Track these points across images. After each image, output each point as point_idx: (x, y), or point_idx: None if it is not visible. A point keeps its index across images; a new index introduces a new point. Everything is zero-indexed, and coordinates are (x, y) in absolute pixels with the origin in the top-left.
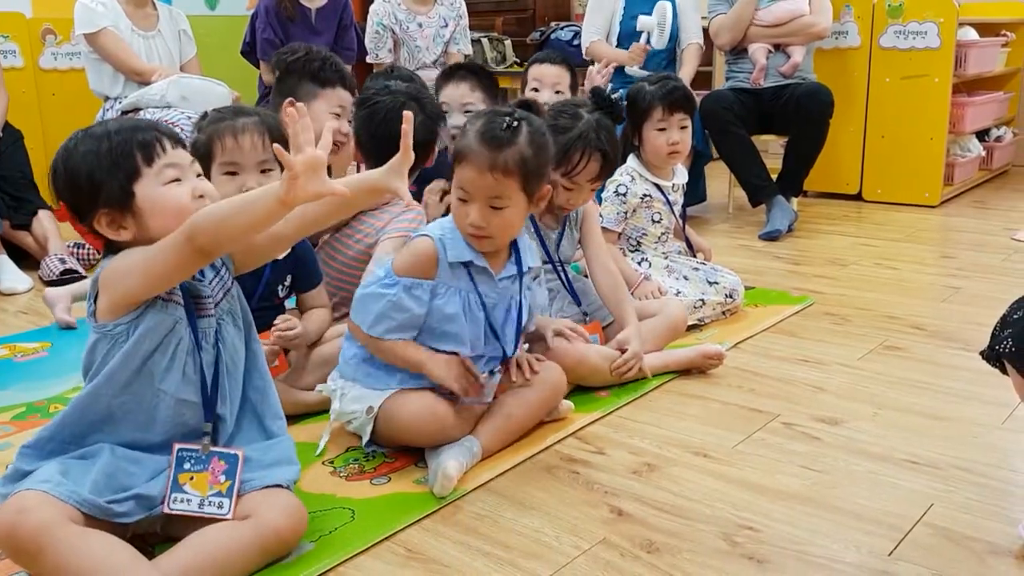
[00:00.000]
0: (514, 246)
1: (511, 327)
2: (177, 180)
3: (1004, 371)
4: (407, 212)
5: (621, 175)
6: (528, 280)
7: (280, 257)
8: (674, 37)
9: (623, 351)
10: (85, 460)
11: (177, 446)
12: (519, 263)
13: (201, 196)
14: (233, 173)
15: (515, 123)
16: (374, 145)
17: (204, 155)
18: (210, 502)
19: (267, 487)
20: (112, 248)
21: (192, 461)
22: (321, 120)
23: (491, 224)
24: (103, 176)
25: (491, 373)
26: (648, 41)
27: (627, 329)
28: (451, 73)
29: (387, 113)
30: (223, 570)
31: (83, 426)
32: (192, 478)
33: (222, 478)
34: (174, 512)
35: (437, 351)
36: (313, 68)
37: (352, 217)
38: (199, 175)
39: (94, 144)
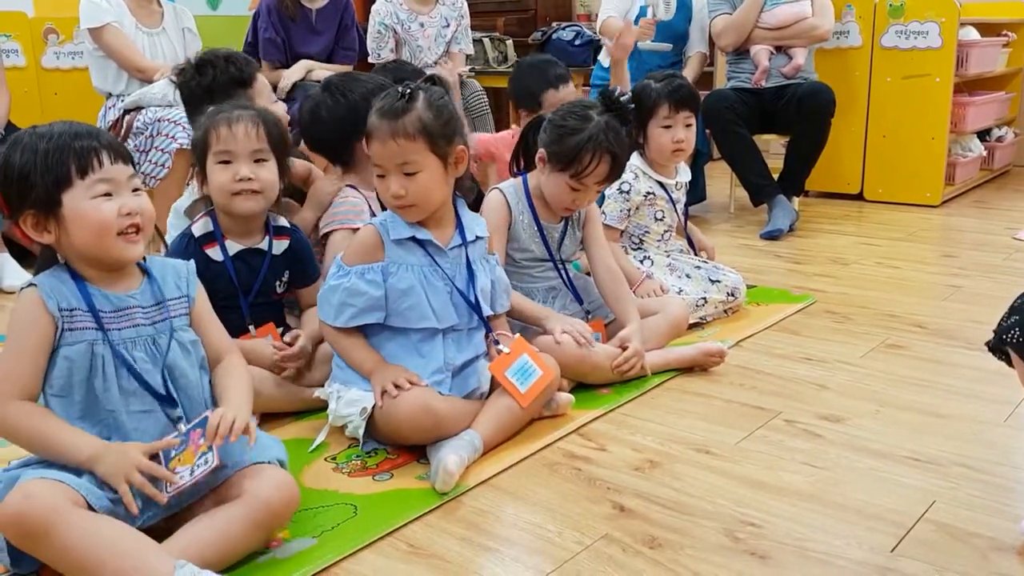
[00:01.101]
0: (459, 219)
1: (471, 295)
2: (107, 195)
3: (1009, 363)
4: (344, 202)
5: (625, 172)
6: (480, 250)
7: (277, 253)
8: (682, 7)
9: (624, 348)
10: (69, 471)
11: (160, 447)
12: (463, 233)
13: (129, 214)
14: (227, 162)
15: (409, 92)
16: (315, 141)
17: (202, 149)
18: (198, 465)
19: (254, 464)
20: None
21: (175, 450)
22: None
23: (409, 191)
24: (35, 178)
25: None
26: (655, 14)
27: (628, 327)
28: (563, 78)
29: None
30: (221, 548)
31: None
32: (180, 459)
33: (201, 440)
34: (172, 494)
35: (413, 331)
36: (232, 74)
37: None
38: (136, 191)
39: (34, 144)
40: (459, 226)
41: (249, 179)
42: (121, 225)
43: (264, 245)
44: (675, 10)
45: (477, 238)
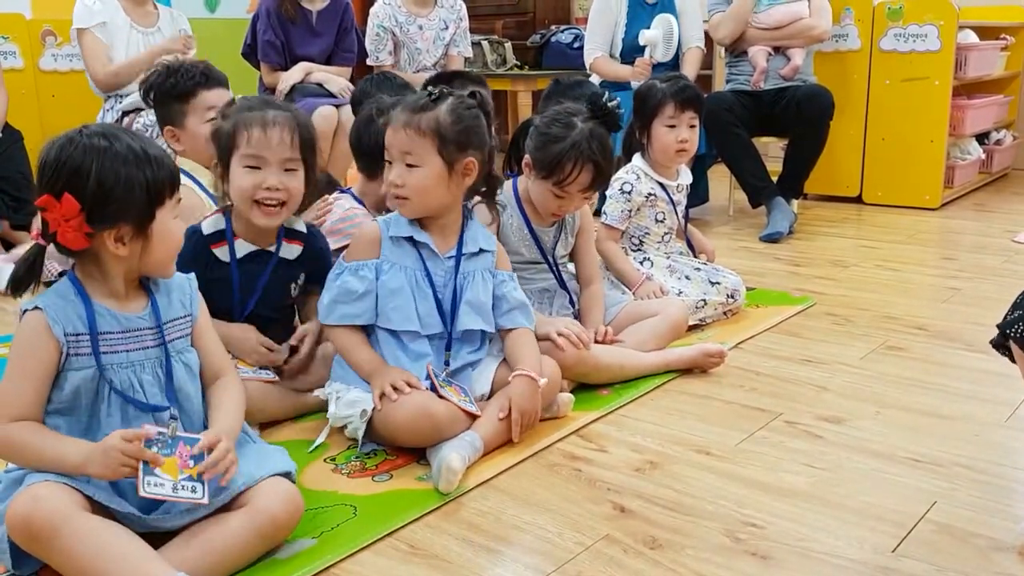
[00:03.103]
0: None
1: (459, 306)
2: (176, 217)
3: (1012, 358)
4: (336, 213)
5: (627, 173)
6: (483, 263)
7: (289, 258)
8: (678, 49)
9: (601, 340)
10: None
11: (144, 430)
12: (460, 244)
13: (180, 240)
14: (255, 167)
15: (437, 95)
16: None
17: (226, 144)
18: (183, 486)
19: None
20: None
21: (159, 444)
22: (199, 133)
23: (407, 183)
24: (138, 192)
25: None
26: (652, 55)
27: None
28: (452, 78)
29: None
30: (223, 558)
31: None
32: (163, 465)
33: (191, 463)
34: (149, 496)
35: (395, 333)
36: (168, 86)
37: None
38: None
39: (131, 162)
40: (461, 237)
41: (277, 189)
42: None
43: (273, 248)
44: (674, 51)
45: (481, 251)
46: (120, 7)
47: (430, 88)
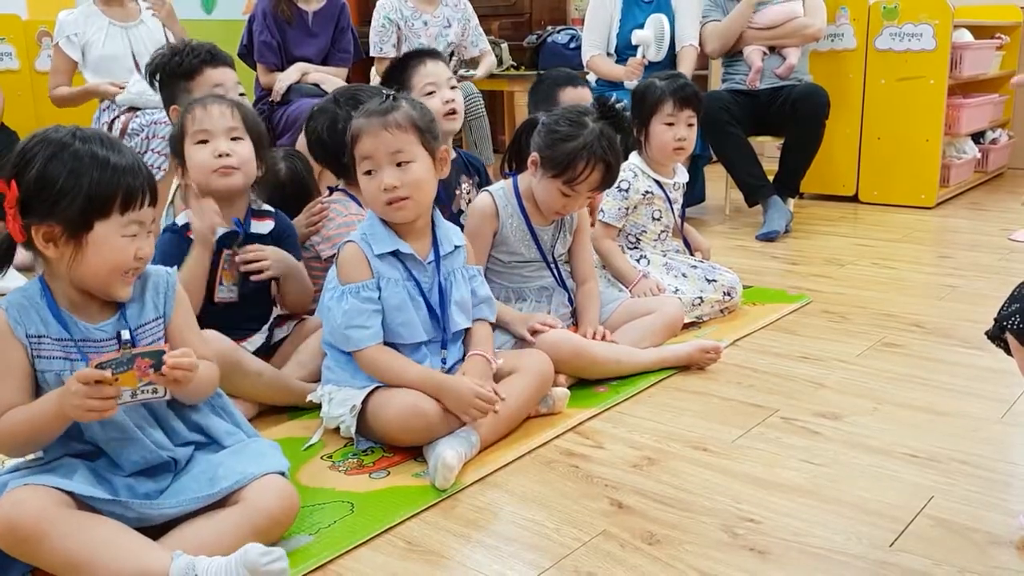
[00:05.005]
0: (434, 231)
1: (447, 308)
2: (133, 236)
3: (1008, 351)
4: (333, 221)
5: (624, 171)
6: (459, 260)
7: (262, 232)
8: (673, 47)
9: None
10: (55, 473)
11: (95, 360)
12: (436, 245)
13: (141, 259)
14: (204, 141)
15: (393, 96)
16: (325, 151)
17: (179, 138)
18: (142, 391)
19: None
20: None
21: (114, 367)
22: None
23: (404, 182)
24: (76, 194)
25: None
26: (644, 55)
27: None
28: (422, 54)
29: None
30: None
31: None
32: (117, 379)
33: (151, 372)
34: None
35: (399, 347)
36: (174, 65)
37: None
38: (149, 232)
39: (84, 158)
40: (435, 238)
41: (227, 155)
42: (133, 267)
43: (246, 225)
44: (666, 51)
45: (455, 247)
46: (97, 10)
47: (384, 91)
